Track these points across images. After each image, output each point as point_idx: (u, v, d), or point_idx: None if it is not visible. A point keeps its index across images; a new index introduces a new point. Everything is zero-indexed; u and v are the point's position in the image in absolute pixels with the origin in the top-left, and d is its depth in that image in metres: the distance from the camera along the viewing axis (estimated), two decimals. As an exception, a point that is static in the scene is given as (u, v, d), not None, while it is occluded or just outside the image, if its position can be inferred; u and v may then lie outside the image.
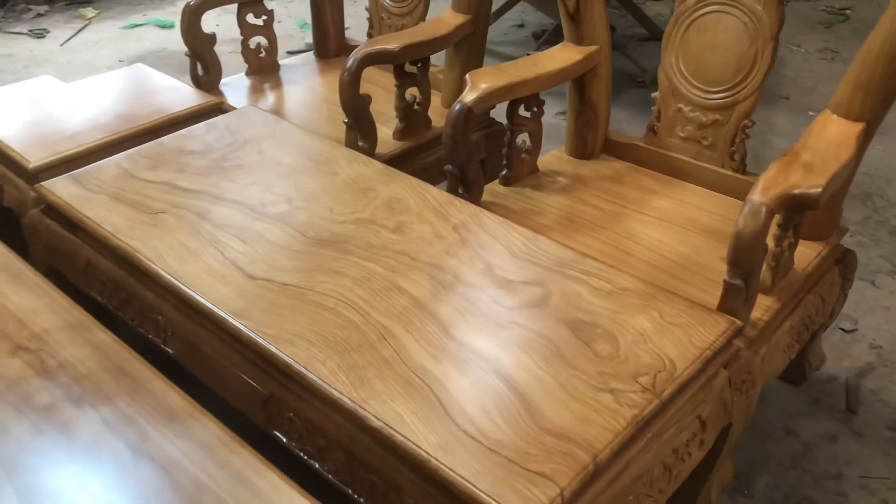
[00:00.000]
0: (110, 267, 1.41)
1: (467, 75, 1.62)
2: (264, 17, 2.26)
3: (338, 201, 1.48)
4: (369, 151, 1.84)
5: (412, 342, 1.14)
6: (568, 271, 1.28)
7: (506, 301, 1.22)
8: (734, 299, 1.27)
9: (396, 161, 1.89)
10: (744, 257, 1.23)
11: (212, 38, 2.15)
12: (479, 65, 2.07)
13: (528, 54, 3.25)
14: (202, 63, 2.15)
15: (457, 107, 1.56)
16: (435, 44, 1.87)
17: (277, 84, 2.24)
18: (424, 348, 1.13)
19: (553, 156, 1.87)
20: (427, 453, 0.97)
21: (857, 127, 1.42)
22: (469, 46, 2.00)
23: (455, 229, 1.39)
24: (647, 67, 3.32)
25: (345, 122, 1.82)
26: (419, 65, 1.90)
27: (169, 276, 1.28)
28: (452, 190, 1.63)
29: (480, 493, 0.92)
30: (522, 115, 1.71)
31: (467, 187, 1.64)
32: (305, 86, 2.24)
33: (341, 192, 1.50)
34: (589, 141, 1.85)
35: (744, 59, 1.61)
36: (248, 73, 2.29)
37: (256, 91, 2.20)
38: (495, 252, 1.33)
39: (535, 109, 1.73)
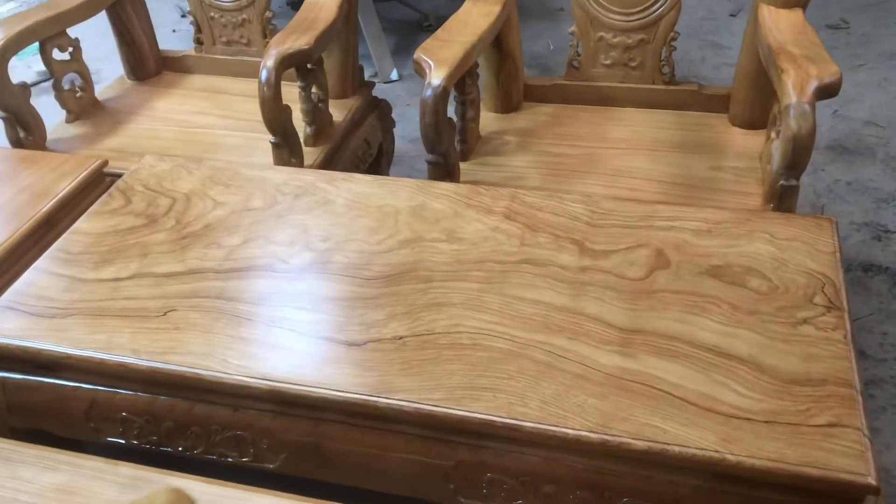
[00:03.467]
0: (139, 399, 1.10)
1: (419, 54, 1.47)
2: (71, 50, 1.85)
3: (362, 229, 1.28)
4: (299, 167, 1.62)
5: (587, 348, 1.04)
6: (656, 223, 1.24)
7: (630, 273, 1.16)
8: (791, 199, 1.32)
9: (323, 169, 1.68)
10: (804, 158, 1.27)
11: (26, 91, 1.72)
12: (357, 46, 1.89)
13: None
14: (21, 122, 1.71)
15: (428, 92, 1.41)
16: (332, 31, 1.67)
17: (115, 124, 1.85)
18: (605, 349, 1.04)
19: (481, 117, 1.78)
20: (718, 452, 0.90)
21: (799, 12, 1.52)
22: (347, 27, 1.81)
23: (508, 218, 1.28)
24: (427, 10, 3.27)
25: (272, 143, 1.57)
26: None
27: (255, 381, 1.03)
28: (439, 180, 1.49)
29: (801, 469, 0.87)
30: (469, 83, 1.59)
31: (449, 173, 1.51)
32: (150, 117, 1.88)
33: (356, 219, 1.30)
34: (513, 93, 1.78)
35: (659, -26, 1.64)
36: (69, 120, 1.87)
37: (95, 139, 1.80)
38: (570, 228, 1.25)
39: (476, 75, 1.63)
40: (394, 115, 2.10)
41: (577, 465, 0.96)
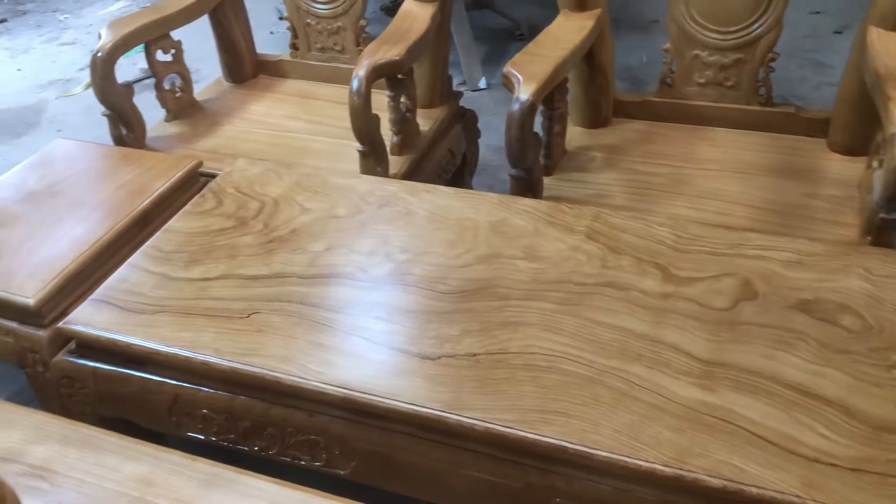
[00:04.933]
0: (219, 398, 1.14)
1: (509, 68, 1.46)
2: (173, 52, 1.93)
3: (441, 242, 1.29)
4: (384, 175, 1.64)
5: (665, 378, 1.02)
6: (745, 251, 1.20)
7: (715, 302, 1.12)
8: (891, 233, 1.27)
9: (407, 179, 1.70)
10: (906, 190, 1.21)
11: (130, 90, 1.80)
12: (448, 56, 1.90)
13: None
14: (124, 121, 1.79)
15: (515, 106, 1.41)
16: (424, 42, 1.68)
17: (211, 125, 1.92)
18: (683, 380, 1.01)
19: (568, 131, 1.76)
20: (799, 497, 0.86)
21: (912, 36, 1.45)
22: (438, 38, 1.82)
23: (590, 238, 1.26)
24: (520, 19, 3.26)
25: (359, 151, 1.60)
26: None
27: (331, 388, 1.05)
28: (521, 195, 1.48)
29: (887, 521, 0.83)
30: (558, 98, 1.58)
31: (532, 187, 1.50)
32: (244, 119, 1.94)
33: (436, 231, 1.31)
34: (603, 108, 1.76)
35: (761, -7, 1.59)
36: (168, 119, 1.95)
37: (192, 139, 1.88)
38: (654, 251, 1.22)
39: (565, 89, 1.61)
40: (479, 124, 2.10)
41: (648, 498, 0.94)
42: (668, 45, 1.69)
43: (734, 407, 0.97)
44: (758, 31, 1.61)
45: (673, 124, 1.75)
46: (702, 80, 1.70)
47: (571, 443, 0.95)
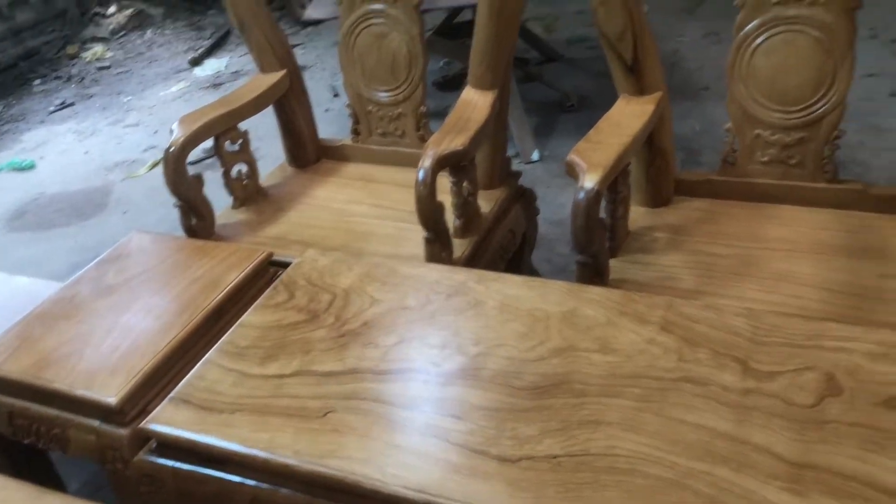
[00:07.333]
0: (298, 499, 1.14)
1: (573, 157, 1.48)
2: (240, 142, 1.99)
3: (513, 334, 1.29)
4: (449, 260, 1.66)
5: (754, 482, 0.99)
6: (825, 343, 1.18)
7: (799, 399, 1.10)
8: (977, 320, 1.23)
9: (470, 262, 1.71)
10: None
11: (200, 182, 1.86)
12: (506, 139, 1.93)
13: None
14: (195, 211, 1.85)
15: (581, 195, 1.42)
16: (485, 130, 1.71)
17: (276, 211, 1.97)
18: (773, 485, 0.98)
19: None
20: None
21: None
22: (497, 124, 1.85)
23: (665, 329, 1.25)
24: (569, 90, 3.31)
25: (425, 238, 1.62)
26: (466, 154, 1.73)
27: (412, 493, 1.04)
28: (586, 281, 1.48)
29: None
30: (621, 182, 1.59)
31: (599, 273, 1.50)
32: (309, 204, 1.99)
33: (507, 323, 1.31)
34: (663, 188, 1.77)
35: (822, 74, 1.59)
36: (235, 206, 2.00)
37: (258, 226, 1.92)
38: (731, 344, 1.21)
39: (628, 173, 1.62)
40: (534, 198, 2.11)
41: None
42: (728, 126, 1.69)
43: (829, 515, 0.94)
44: (821, 109, 1.60)
45: (736, 202, 1.74)
46: (765, 159, 1.69)
47: (661, 554, 0.92)
